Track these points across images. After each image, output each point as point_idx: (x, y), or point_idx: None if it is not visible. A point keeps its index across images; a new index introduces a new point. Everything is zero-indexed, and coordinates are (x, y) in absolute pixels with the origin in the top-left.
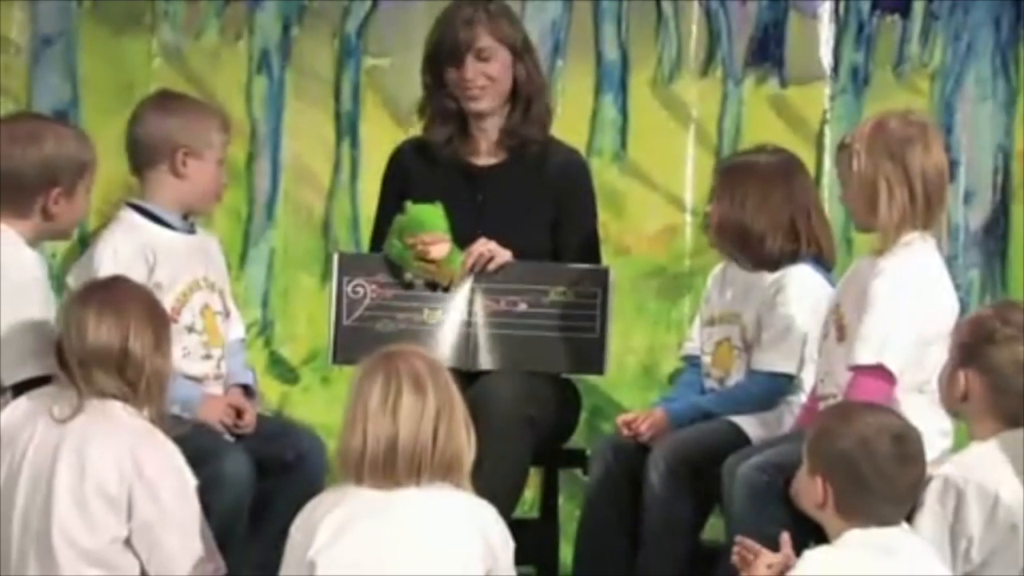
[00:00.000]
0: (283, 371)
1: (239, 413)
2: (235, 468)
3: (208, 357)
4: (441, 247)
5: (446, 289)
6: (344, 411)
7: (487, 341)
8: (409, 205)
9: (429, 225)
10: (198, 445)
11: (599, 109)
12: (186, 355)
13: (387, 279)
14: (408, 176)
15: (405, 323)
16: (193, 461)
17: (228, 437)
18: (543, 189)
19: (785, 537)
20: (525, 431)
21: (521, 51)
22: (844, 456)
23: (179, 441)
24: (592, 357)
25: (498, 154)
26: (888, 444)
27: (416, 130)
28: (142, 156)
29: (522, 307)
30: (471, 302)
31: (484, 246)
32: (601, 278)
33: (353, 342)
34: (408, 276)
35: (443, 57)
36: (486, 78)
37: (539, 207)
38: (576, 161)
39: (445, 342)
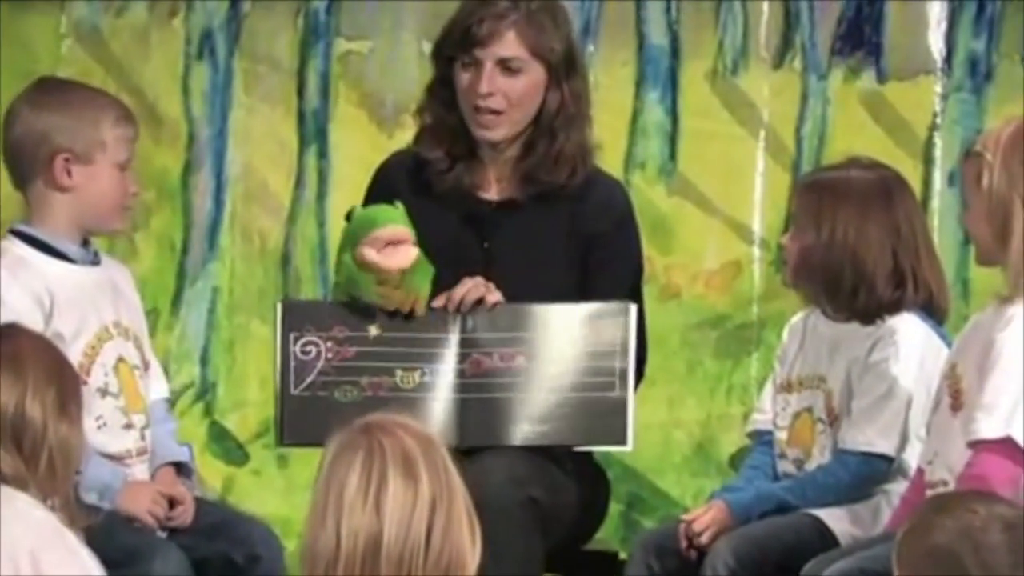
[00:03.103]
0: (228, 448)
1: (171, 502)
2: (169, 571)
3: (129, 427)
4: (402, 252)
5: (408, 315)
6: (311, 501)
7: (478, 409)
8: (356, 209)
9: (382, 219)
10: (122, 542)
11: (641, 109)
12: (102, 427)
13: (347, 332)
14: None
15: (372, 390)
16: (115, 562)
17: (159, 532)
18: (571, 237)
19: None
20: (525, 518)
21: (561, 70)
22: (943, 553)
23: (99, 536)
24: (612, 424)
25: (513, 189)
26: (999, 534)
27: (404, 134)
28: (19, 167)
29: (520, 361)
30: (459, 358)
31: (466, 286)
32: (621, 318)
33: (305, 417)
34: (369, 317)
35: (453, 48)
36: (506, 99)
37: (564, 260)
38: (617, 199)
39: (425, 413)
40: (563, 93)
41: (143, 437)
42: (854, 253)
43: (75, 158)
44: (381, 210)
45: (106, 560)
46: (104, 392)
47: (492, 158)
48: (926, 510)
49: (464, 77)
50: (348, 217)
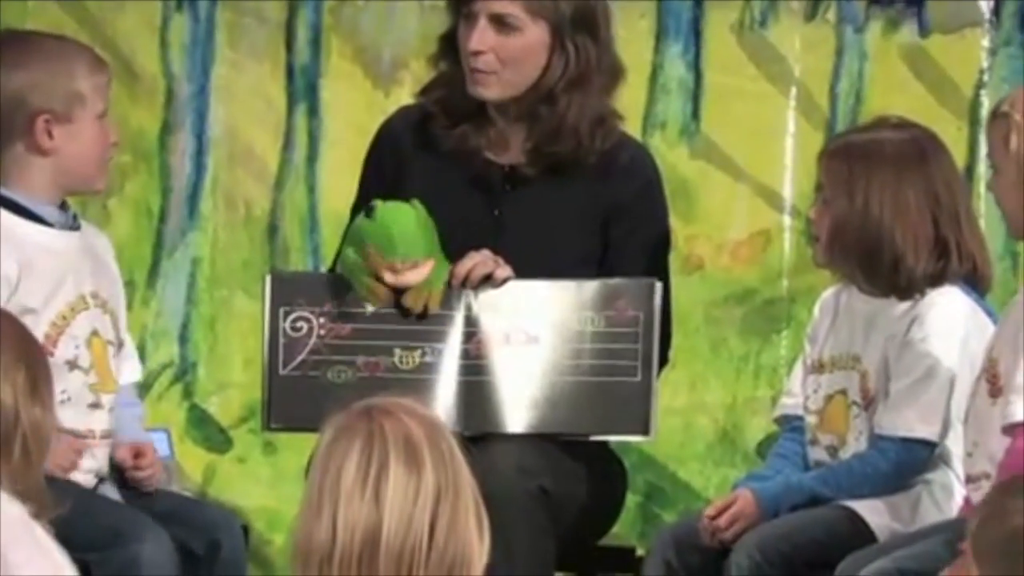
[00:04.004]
0: (209, 434)
1: (137, 455)
2: (160, 554)
3: (96, 406)
4: (416, 272)
5: (420, 316)
6: (305, 490)
7: (484, 393)
8: (379, 207)
9: (402, 246)
10: (106, 523)
11: (661, 65)
12: (65, 401)
13: (341, 308)
14: (403, 166)
15: (368, 370)
16: (99, 544)
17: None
18: (591, 206)
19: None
20: (535, 510)
21: (567, 31)
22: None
23: (80, 518)
24: (632, 412)
25: (523, 156)
26: None
27: (402, 92)
28: None
29: (531, 342)
30: (463, 338)
31: (473, 260)
32: (644, 297)
33: (294, 399)
34: (366, 307)
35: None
36: (498, 59)
37: (583, 231)
38: (642, 166)
39: (426, 396)
40: (568, 57)
41: (110, 420)
42: (892, 222)
43: (55, 118)
44: (399, 228)
45: (90, 542)
46: (73, 365)
47: (500, 120)
48: (995, 497)
49: (462, 31)
50: (368, 212)
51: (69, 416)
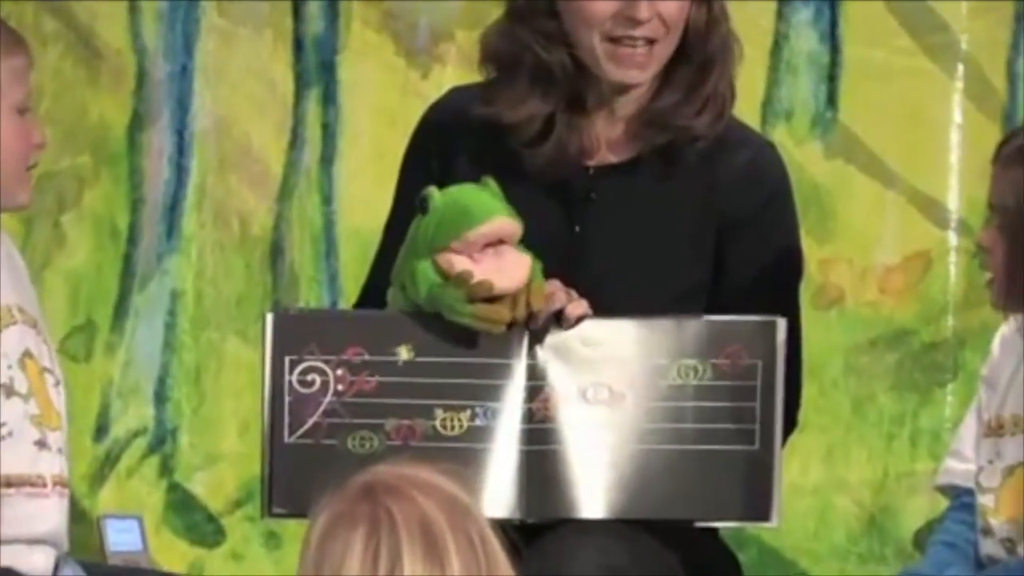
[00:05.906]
0: (195, 522)
1: None
2: None
3: (42, 445)
4: (511, 262)
5: (511, 324)
6: None
7: (556, 468)
8: (434, 195)
9: (482, 212)
10: None
11: (787, 35)
12: (6, 437)
13: (366, 356)
14: (453, 167)
15: (401, 437)
16: None
17: None
18: (699, 219)
19: None
20: None
21: None
22: None
23: None
24: (750, 491)
25: (623, 148)
26: None
27: (443, 72)
28: None
29: (617, 401)
30: (526, 395)
31: (545, 290)
32: (765, 339)
33: (303, 476)
34: (398, 333)
35: None
36: (663, 24)
37: (689, 251)
38: (768, 167)
39: (476, 470)
40: (711, 8)
41: (62, 464)
42: None
43: None
44: (473, 197)
45: None
46: (9, 391)
47: (608, 107)
48: None
49: (598, 4)
50: (423, 205)
51: (10, 458)
